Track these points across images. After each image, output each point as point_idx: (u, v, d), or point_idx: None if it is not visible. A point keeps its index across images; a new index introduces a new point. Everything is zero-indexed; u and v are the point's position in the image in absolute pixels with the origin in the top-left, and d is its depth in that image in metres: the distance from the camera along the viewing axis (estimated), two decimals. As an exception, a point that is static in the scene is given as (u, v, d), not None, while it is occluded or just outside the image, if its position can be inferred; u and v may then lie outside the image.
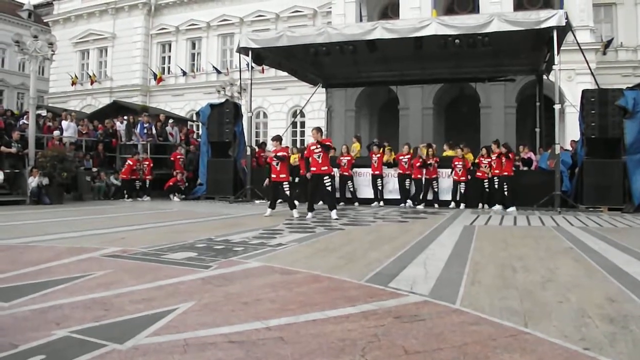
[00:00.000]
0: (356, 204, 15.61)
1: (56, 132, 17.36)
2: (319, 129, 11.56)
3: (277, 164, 11.33)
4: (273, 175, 11.54)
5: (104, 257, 5.54)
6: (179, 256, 5.63)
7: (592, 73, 16.49)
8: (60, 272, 4.72)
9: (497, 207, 14.10)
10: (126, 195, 17.32)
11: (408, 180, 15.40)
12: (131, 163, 17.58)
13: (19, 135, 15.56)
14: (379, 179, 15.71)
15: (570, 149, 16.58)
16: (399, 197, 15.59)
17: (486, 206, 14.38)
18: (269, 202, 11.78)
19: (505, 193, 14.09)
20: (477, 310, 3.54)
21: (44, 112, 19.96)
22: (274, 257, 5.73)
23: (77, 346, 2.78)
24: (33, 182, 13.99)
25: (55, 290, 4.01)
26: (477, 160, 14.85)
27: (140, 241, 6.81)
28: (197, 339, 2.88)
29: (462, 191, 14.72)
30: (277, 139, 12.18)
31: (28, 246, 6.43)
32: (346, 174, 15.80)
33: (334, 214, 10.85)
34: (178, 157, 18.70)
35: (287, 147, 15.25)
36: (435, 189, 15.00)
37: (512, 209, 13.67)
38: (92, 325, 3.12)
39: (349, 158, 15.88)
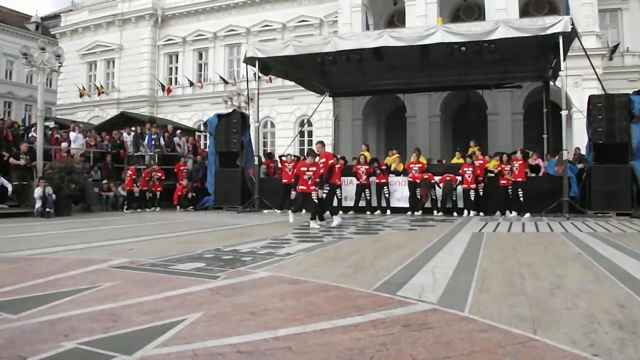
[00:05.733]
0: (368, 212, 15.54)
1: (64, 144, 17.43)
2: (322, 144, 11.68)
3: (308, 178, 11.26)
4: (302, 187, 11.49)
5: (112, 269, 5.55)
6: (187, 267, 5.64)
7: (598, 79, 16.45)
8: (69, 283, 4.73)
9: (513, 214, 14.08)
10: (125, 207, 17.44)
11: (418, 189, 15.40)
12: (130, 173, 17.76)
13: (27, 147, 15.64)
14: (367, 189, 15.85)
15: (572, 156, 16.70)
16: (405, 205, 15.55)
17: (512, 213, 14.28)
18: (291, 209, 11.68)
19: (521, 199, 14.06)
20: (486, 317, 3.53)
21: (51, 124, 20.03)
22: (282, 266, 5.73)
23: (85, 358, 2.79)
24: (36, 192, 14.00)
25: (64, 302, 4.02)
26: (500, 168, 14.74)
27: (148, 252, 6.83)
28: (205, 350, 2.88)
29: (473, 199, 14.66)
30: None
31: (36, 258, 6.45)
32: (364, 182, 15.78)
33: (313, 223, 10.78)
34: (181, 168, 18.82)
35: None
36: (454, 198, 15.03)
37: (527, 215, 13.66)
38: (100, 336, 3.12)
39: (367, 167, 15.86)
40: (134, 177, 17.70)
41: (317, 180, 11.22)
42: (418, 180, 15.29)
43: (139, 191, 17.69)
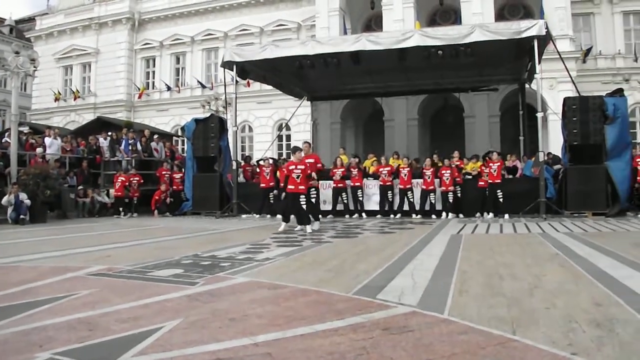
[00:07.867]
0: (347, 215, 15.54)
1: (39, 150, 17.19)
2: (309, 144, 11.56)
3: (297, 176, 10.87)
4: (290, 187, 10.93)
5: (89, 276, 5.48)
6: (165, 273, 5.58)
7: (573, 81, 16.67)
8: (45, 292, 4.66)
9: (490, 215, 14.19)
10: (122, 213, 17.30)
11: (390, 192, 15.48)
12: (124, 179, 17.60)
13: (1, 153, 15.37)
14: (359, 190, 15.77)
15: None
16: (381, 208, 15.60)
17: (490, 214, 14.38)
18: (282, 216, 11.41)
19: (501, 200, 14.19)
20: (466, 319, 3.54)
21: (25, 129, 19.74)
22: (261, 271, 5.70)
23: (61, 368, 2.74)
24: (4, 199, 13.77)
25: (39, 311, 3.95)
26: (479, 170, 14.87)
27: (125, 259, 6.75)
28: (184, 358, 2.84)
29: (451, 201, 14.76)
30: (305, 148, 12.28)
31: (11, 266, 6.34)
32: (341, 185, 15.76)
33: (308, 228, 10.63)
34: (163, 172, 18.61)
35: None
36: (432, 201, 15.07)
37: (506, 216, 13.80)
38: (76, 346, 3.07)
39: (343, 170, 15.86)
40: (126, 183, 17.67)
41: (308, 176, 11.03)
42: (389, 184, 15.39)
43: (114, 197, 17.58)
